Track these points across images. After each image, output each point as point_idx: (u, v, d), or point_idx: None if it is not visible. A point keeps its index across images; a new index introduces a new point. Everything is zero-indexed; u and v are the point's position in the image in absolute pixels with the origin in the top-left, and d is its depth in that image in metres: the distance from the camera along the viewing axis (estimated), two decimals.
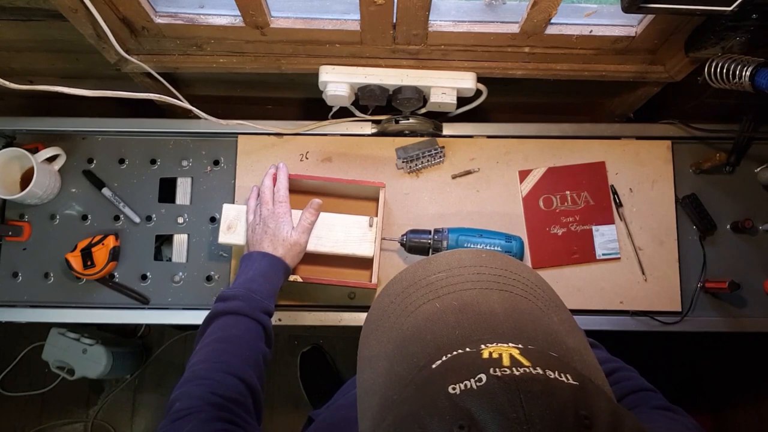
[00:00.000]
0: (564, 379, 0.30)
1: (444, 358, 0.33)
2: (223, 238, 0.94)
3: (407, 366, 0.35)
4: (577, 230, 1.02)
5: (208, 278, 1.02)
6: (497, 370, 0.30)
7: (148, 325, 1.81)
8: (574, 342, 0.37)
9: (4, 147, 1.01)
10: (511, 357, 0.31)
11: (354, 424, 0.59)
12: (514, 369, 0.30)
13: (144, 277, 1.02)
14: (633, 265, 1.01)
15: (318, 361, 1.79)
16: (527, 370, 0.30)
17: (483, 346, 0.33)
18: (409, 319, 0.38)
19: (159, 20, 0.88)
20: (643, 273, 1.00)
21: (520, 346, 0.33)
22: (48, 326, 1.57)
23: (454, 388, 0.30)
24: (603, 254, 1.01)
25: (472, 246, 0.92)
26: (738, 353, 1.58)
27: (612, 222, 1.02)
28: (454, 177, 1.04)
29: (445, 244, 0.92)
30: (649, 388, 0.63)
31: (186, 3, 0.89)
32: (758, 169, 1.04)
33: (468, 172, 1.04)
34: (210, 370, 0.68)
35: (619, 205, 1.02)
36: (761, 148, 1.04)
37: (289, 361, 1.79)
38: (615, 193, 1.03)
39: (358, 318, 1.00)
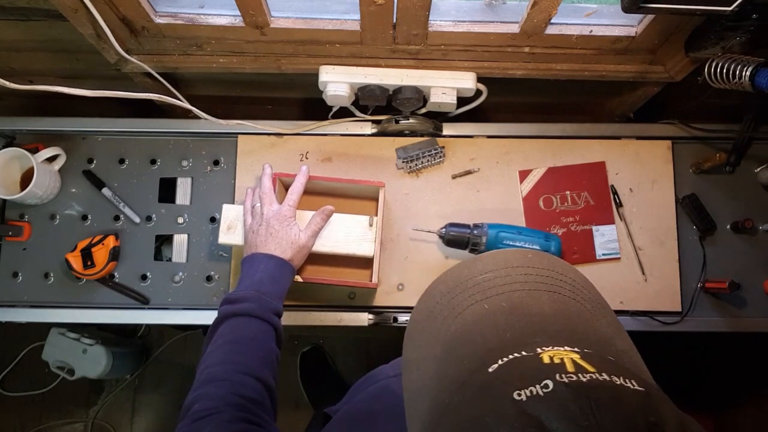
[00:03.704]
0: (630, 385, 0.30)
1: (500, 362, 0.32)
2: (223, 238, 0.94)
3: (458, 369, 0.34)
4: (577, 230, 1.02)
5: (208, 278, 1.02)
6: (563, 376, 0.30)
7: (148, 325, 1.81)
8: (623, 344, 0.36)
9: (4, 147, 1.01)
10: (574, 362, 0.31)
11: (378, 417, 0.59)
12: (580, 375, 0.30)
13: (144, 277, 1.02)
14: (633, 265, 1.01)
15: (318, 361, 1.79)
16: (593, 376, 0.30)
17: (539, 350, 0.32)
18: (457, 321, 0.37)
19: (159, 20, 0.88)
20: (643, 273, 1.00)
21: (577, 349, 0.32)
22: (48, 326, 1.57)
23: (519, 395, 0.29)
24: (603, 254, 1.01)
25: (510, 243, 0.92)
26: (738, 353, 1.58)
27: (612, 222, 1.02)
28: (454, 177, 1.04)
29: (484, 240, 0.92)
30: None
31: (186, 3, 0.89)
32: (758, 169, 1.04)
33: (468, 172, 1.04)
34: (227, 372, 0.68)
35: (619, 205, 1.02)
36: (761, 148, 1.04)
37: (289, 361, 1.79)
38: (615, 193, 1.03)
39: (358, 318, 1.00)
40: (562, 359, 0.31)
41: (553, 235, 0.95)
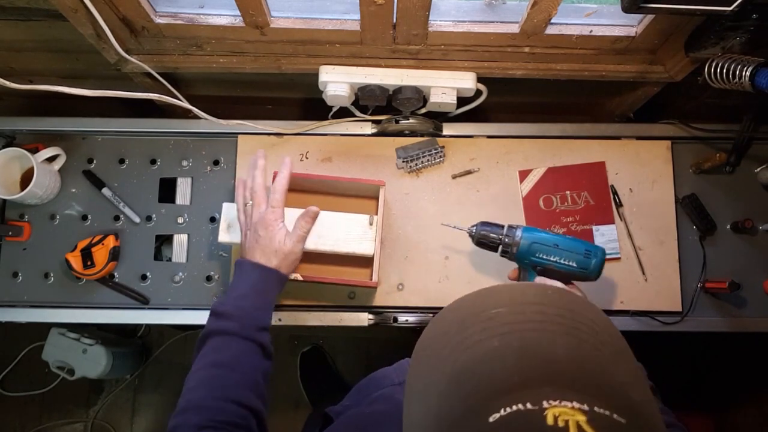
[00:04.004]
0: None
1: (503, 412, 0.31)
2: (223, 237, 0.94)
3: (461, 410, 0.33)
4: (578, 230, 1.02)
5: (208, 278, 1.02)
6: None
7: (148, 325, 1.81)
8: (639, 394, 0.35)
9: (4, 147, 1.01)
10: (579, 427, 0.29)
11: (383, 425, 0.59)
12: None
13: (144, 277, 1.02)
14: (633, 265, 1.01)
15: (318, 361, 1.79)
16: None
17: (546, 404, 0.31)
18: (464, 355, 0.36)
19: (159, 20, 0.88)
20: (643, 273, 1.00)
21: (585, 407, 0.31)
22: (48, 326, 1.57)
23: None
24: None
25: (544, 258, 0.82)
26: (738, 353, 1.58)
27: (612, 222, 1.02)
28: (454, 177, 1.04)
29: (515, 249, 0.83)
30: None
31: (186, 3, 0.89)
32: (758, 169, 1.03)
33: (468, 172, 1.04)
34: (206, 398, 0.68)
35: (619, 205, 1.02)
36: (761, 148, 1.04)
37: (289, 361, 1.79)
38: (615, 193, 1.03)
39: (358, 318, 1.00)
40: (566, 422, 0.30)
41: (596, 248, 0.82)
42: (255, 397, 0.70)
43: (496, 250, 0.86)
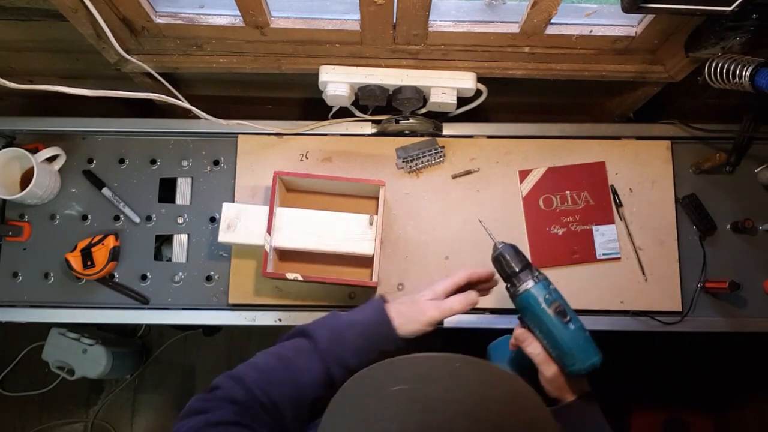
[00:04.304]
0: None
1: None
2: (223, 236, 0.94)
3: None
4: (578, 230, 1.02)
5: (208, 278, 1.02)
6: None
7: (148, 325, 1.81)
8: None
9: (4, 147, 1.01)
10: None
11: None
12: None
13: (144, 277, 1.02)
14: (633, 265, 1.01)
15: None
16: None
17: None
18: None
19: (159, 20, 0.88)
20: (643, 273, 1.00)
21: None
22: (48, 326, 1.57)
23: None
24: (603, 254, 1.01)
25: (531, 324, 0.71)
26: (738, 353, 1.58)
27: (612, 222, 1.02)
28: (454, 177, 1.04)
29: (515, 295, 0.72)
30: None
31: (186, 3, 0.89)
32: (758, 169, 1.04)
33: (468, 172, 1.04)
34: (256, 381, 0.66)
35: (619, 205, 1.02)
36: (761, 148, 1.04)
37: None
38: (615, 193, 1.03)
39: None
40: None
41: (589, 355, 0.67)
42: (291, 415, 0.67)
43: (503, 274, 0.74)
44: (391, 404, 0.36)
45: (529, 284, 0.70)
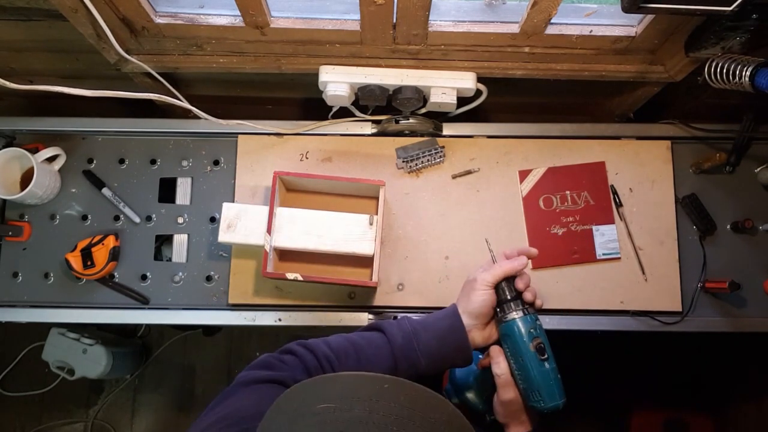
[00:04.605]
0: None
1: None
2: (223, 236, 0.94)
3: None
4: (578, 230, 1.02)
5: (208, 278, 1.02)
6: None
7: (148, 325, 1.81)
8: None
9: (4, 147, 1.01)
10: None
11: None
12: None
13: (144, 277, 1.02)
14: (633, 265, 1.01)
15: None
16: None
17: None
18: None
19: (159, 20, 0.88)
20: (643, 273, 1.00)
21: None
22: (48, 326, 1.57)
23: None
24: (603, 254, 1.01)
25: (508, 354, 0.73)
26: (738, 353, 1.58)
27: (612, 222, 1.02)
28: (454, 177, 1.04)
29: (500, 326, 0.74)
30: None
31: (186, 3, 0.89)
32: (758, 169, 1.04)
33: (468, 172, 1.04)
34: (327, 356, 0.71)
35: (619, 205, 1.02)
36: (761, 148, 1.04)
37: None
38: (615, 193, 1.03)
39: (358, 318, 1.00)
40: None
41: (553, 398, 0.69)
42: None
43: (499, 301, 0.75)
44: (315, 422, 0.36)
45: (518, 314, 0.72)
